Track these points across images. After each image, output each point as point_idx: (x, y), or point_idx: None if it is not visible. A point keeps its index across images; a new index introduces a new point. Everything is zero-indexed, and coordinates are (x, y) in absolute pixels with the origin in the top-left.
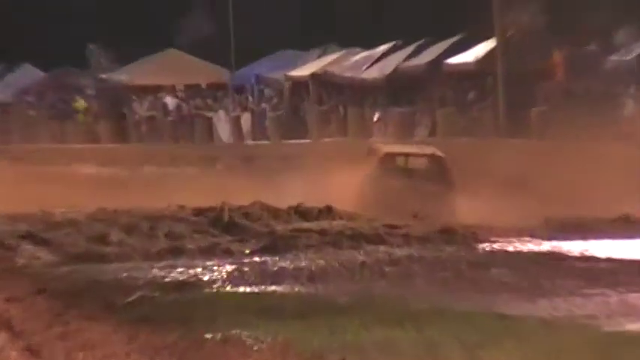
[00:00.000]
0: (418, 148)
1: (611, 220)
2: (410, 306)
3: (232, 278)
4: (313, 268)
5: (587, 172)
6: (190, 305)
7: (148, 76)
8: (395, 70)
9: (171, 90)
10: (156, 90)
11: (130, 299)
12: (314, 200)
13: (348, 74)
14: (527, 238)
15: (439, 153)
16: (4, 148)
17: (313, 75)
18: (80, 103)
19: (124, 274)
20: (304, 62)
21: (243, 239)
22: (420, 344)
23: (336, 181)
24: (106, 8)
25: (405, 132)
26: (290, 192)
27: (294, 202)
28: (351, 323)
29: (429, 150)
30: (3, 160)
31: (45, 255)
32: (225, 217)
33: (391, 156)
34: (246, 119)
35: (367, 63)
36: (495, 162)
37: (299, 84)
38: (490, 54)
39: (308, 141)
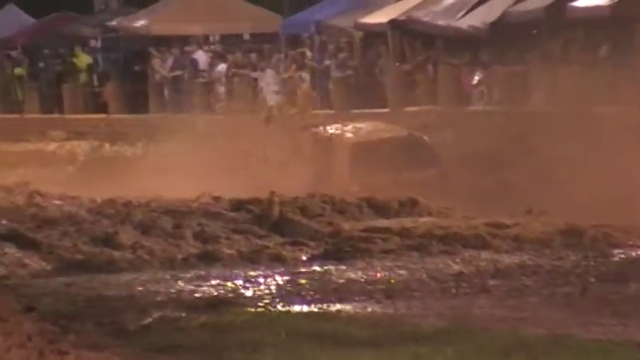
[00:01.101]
0: (386, 130)
1: None
2: (521, 332)
3: (284, 294)
4: (392, 280)
5: None
6: (227, 330)
7: (173, 22)
8: (502, 17)
9: (204, 42)
10: (183, 42)
11: (145, 322)
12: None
13: (439, 22)
14: None
15: (417, 133)
16: None
17: (393, 22)
18: (81, 59)
19: (139, 289)
20: (381, 5)
21: (298, 242)
22: None
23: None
24: None
25: (515, 97)
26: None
27: (360, 193)
28: (442, 355)
29: (402, 131)
30: None
31: (34, 262)
32: (275, 212)
33: (361, 146)
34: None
35: (465, 7)
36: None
37: (374, 34)
38: None
39: (385, 110)
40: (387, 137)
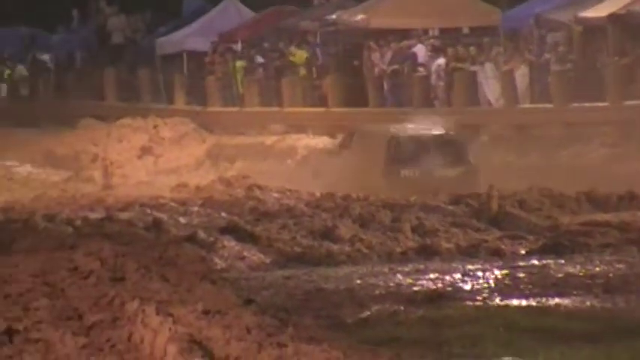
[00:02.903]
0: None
1: None
2: None
3: (502, 288)
4: (611, 275)
5: None
6: (445, 324)
7: (392, 16)
8: None
9: (423, 35)
10: (402, 35)
11: (364, 315)
12: (602, 184)
13: None
14: None
15: (452, 133)
16: (193, 111)
17: (612, 16)
18: (299, 54)
19: (357, 282)
20: None
21: (516, 235)
22: None
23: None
24: None
25: None
26: (577, 172)
27: (581, 187)
28: None
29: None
30: (191, 130)
31: (253, 255)
32: (494, 206)
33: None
34: (522, 75)
35: None
36: None
37: (594, 28)
38: None
39: (605, 104)
40: (420, 134)
